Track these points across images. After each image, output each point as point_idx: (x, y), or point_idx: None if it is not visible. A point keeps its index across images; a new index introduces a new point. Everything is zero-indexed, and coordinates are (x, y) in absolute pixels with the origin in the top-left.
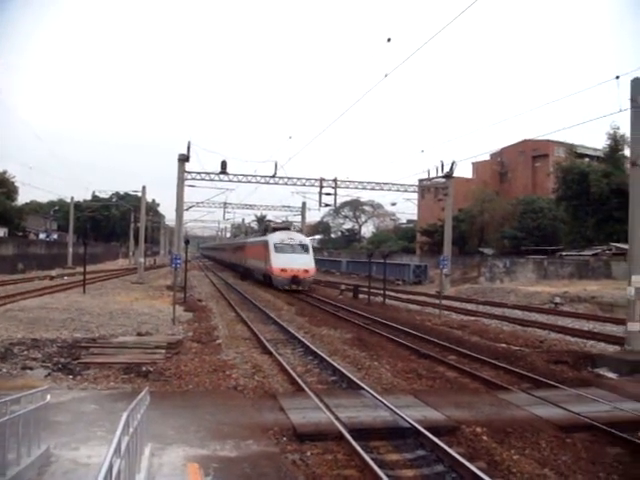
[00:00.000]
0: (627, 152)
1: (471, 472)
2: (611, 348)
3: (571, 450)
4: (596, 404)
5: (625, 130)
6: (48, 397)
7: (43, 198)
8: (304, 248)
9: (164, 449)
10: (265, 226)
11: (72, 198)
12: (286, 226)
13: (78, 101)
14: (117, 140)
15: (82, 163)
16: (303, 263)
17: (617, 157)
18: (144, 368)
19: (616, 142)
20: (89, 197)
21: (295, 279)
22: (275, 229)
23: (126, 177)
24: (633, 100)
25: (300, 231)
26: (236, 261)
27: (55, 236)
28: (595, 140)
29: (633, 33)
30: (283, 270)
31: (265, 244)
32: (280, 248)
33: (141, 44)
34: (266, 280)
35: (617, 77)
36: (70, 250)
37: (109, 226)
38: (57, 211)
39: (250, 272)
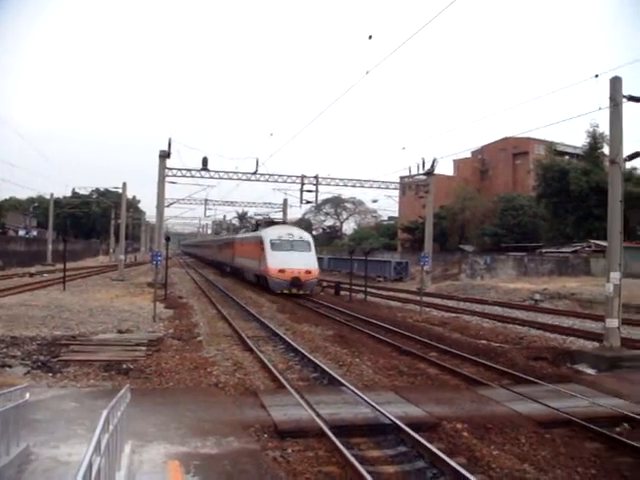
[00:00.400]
0: (606, 150)
1: (451, 468)
2: (590, 344)
3: (550, 445)
4: (575, 400)
5: (604, 128)
6: (27, 395)
7: (22, 194)
8: (305, 245)
9: (145, 446)
10: (257, 221)
11: (52, 195)
12: (282, 220)
13: (58, 98)
14: (97, 136)
15: (62, 160)
16: (305, 263)
17: (596, 155)
18: (124, 365)
19: (595, 140)
20: (69, 194)
21: (296, 281)
22: (271, 223)
23: (106, 174)
24: (612, 99)
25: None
26: (223, 259)
27: (35, 233)
28: (575, 138)
29: (613, 32)
30: (281, 271)
31: (259, 241)
32: (278, 245)
33: (122, 42)
34: (260, 282)
35: (596, 76)
36: (50, 247)
37: (89, 223)
38: (37, 208)
39: (240, 272)
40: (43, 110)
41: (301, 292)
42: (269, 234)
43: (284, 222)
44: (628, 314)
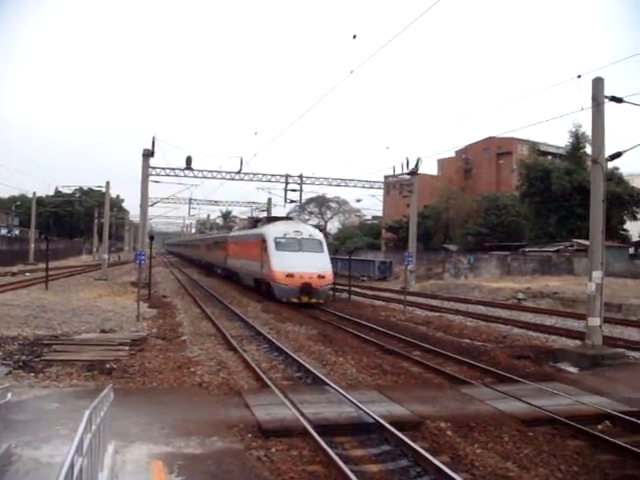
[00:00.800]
0: (589, 150)
1: (435, 466)
2: (572, 343)
3: (533, 443)
4: (557, 398)
5: (587, 128)
6: (9, 395)
7: (4, 193)
8: (316, 244)
9: (128, 447)
10: (256, 218)
11: (34, 193)
12: (287, 216)
13: (41, 95)
14: (81, 135)
15: (45, 158)
16: (317, 265)
17: (579, 155)
18: (108, 365)
19: (578, 140)
20: (52, 192)
21: (306, 288)
22: (273, 219)
23: (90, 173)
24: (594, 99)
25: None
26: (213, 260)
27: (17, 232)
28: (558, 138)
29: (596, 32)
30: (289, 276)
31: (260, 239)
32: (283, 245)
33: (107, 41)
34: (262, 288)
35: (579, 76)
36: (32, 246)
37: (72, 222)
38: (19, 206)
39: (234, 275)
40: (26, 108)
41: (313, 300)
42: (272, 231)
43: (288, 217)
44: (610, 313)
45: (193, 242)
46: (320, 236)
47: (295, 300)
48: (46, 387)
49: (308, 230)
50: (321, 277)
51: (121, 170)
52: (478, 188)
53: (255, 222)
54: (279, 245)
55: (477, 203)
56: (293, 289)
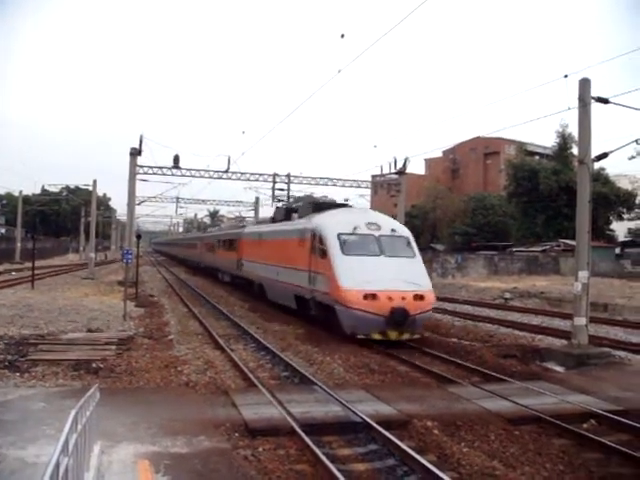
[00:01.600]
0: (575, 150)
1: (422, 465)
2: (558, 342)
3: (519, 442)
4: (543, 397)
5: (573, 129)
6: None
7: None
8: (404, 245)
9: (114, 446)
10: (288, 206)
11: (20, 192)
12: (344, 202)
13: (27, 94)
14: (68, 133)
15: (31, 156)
16: (410, 279)
17: (566, 155)
18: (94, 365)
19: (565, 140)
20: (38, 191)
21: (399, 316)
22: (325, 206)
23: (77, 171)
24: (581, 100)
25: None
26: (217, 264)
27: (2, 230)
28: (545, 138)
29: (583, 32)
30: (370, 297)
31: (309, 237)
32: (354, 245)
33: (94, 40)
34: (313, 312)
35: (566, 76)
36: (18, 245)
37: (59, 221)
38: (5, 205)
39: (256, 288)
40: (12, 106)
41: (405, 337)
42: (333, 225)
43: (344, 203)
44: (596, 312)
45: (187, 240)
46: (407, 231)
47: (378, 337)
48: (32, 387)
49: (388, 222)
50: (419, 298)
51: (108, 169)
52: (465, 188)
53: (289, 211)
54: (347, 246)
55: (464, 203)
56: (376, 318)
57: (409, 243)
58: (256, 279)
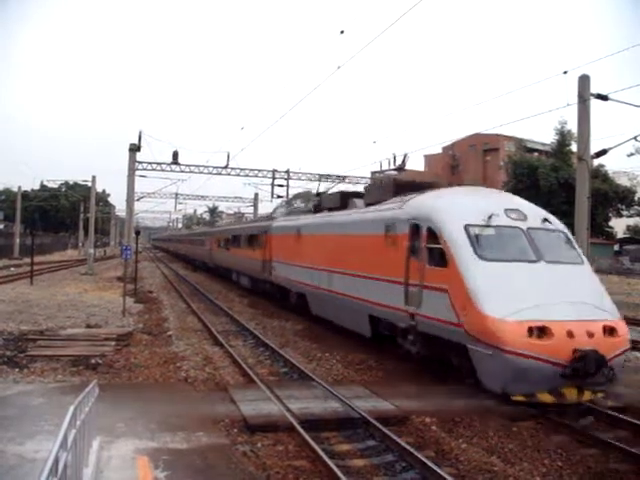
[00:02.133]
0: (574, 147)
1: (420, 461)
2: None
3: (517, 438)
4: None
5: (572, 125)
6: None
7: None
8: (563, 243)
9: (113, 442)
10: (345, 192)
11: (19, 187)
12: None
13: (27, 90)
14: (67, 129)
15: (30, 152)
16: (588, 299)
17: (565, 152)
18: (93, 360)
19: (564, 137)
20: (37, 187)
21: (589, 362)
22: (416, 186)
23: (76, 167)
24: (580, 96)
25: None
26: (232, 264)
27: (1, 226)
28: (544, 135)
29: (583, 29)
30: (539, 332)
31: (403, 229)
32: (494, 245)
33: (94, 37)
34: (419, 348)
35: (565, 72)
36: (17, 241)
37: (58, 216)
38: (4, 201)
39: (297, 299)
40: (11, 102)
41: (586, 398)
42: (452, 210)
43: (434, 184)
44: None
45: (192, 236)
46: (561, 224)
47: (548, 399)
48: (31, 382)
49: (534, 210)
50: (610, 332)
51: (107, 165)
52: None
53: (346, 196)
54: (482, 245)
55: None
56: (546, 368)
57: (569, 241)
58: (294, 288)
